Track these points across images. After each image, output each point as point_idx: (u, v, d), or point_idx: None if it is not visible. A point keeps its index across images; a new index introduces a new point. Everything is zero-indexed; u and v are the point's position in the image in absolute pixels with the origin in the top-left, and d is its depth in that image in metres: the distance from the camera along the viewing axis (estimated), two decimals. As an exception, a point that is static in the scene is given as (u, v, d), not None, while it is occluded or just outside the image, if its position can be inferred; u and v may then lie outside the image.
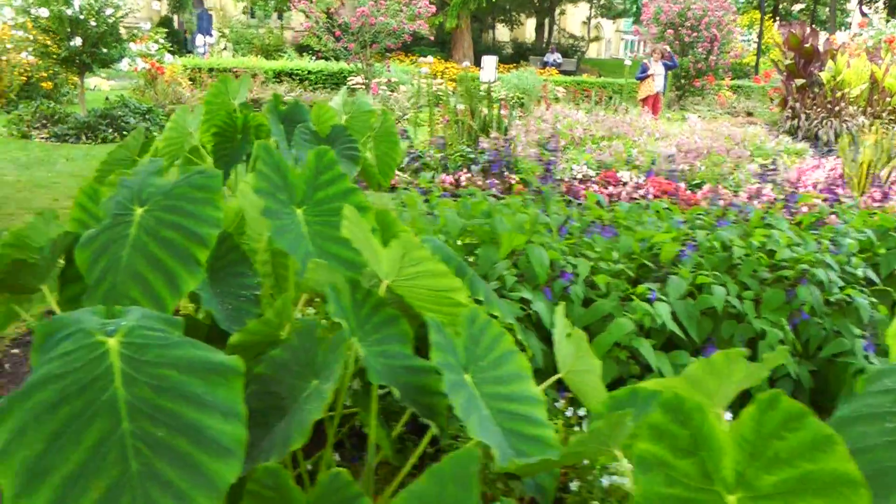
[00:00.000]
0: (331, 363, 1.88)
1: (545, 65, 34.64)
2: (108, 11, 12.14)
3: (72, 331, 1.60)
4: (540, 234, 3.78)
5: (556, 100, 21.15)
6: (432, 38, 22.36)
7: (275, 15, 36.19)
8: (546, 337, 3.31)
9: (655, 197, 8.18)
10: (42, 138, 12.49)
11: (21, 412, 1.42)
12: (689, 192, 8.35)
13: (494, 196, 7.25)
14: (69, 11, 11.83)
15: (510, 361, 2.13)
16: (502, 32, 53.96)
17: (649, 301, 3.49)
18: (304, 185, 2.59)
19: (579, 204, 7.01)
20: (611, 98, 19.49)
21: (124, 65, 12.95)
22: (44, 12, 11.76)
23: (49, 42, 12.57)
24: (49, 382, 1.46)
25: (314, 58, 23.16)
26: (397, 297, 2.29)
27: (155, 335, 1.60)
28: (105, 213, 2.32)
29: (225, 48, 27.49)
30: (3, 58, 14.97)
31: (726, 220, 4.64)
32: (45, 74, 15.94)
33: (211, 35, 26.80)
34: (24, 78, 15.79)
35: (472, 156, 10.36)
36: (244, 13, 34.07)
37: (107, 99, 14.32)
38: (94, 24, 12.01)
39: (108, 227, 2.24)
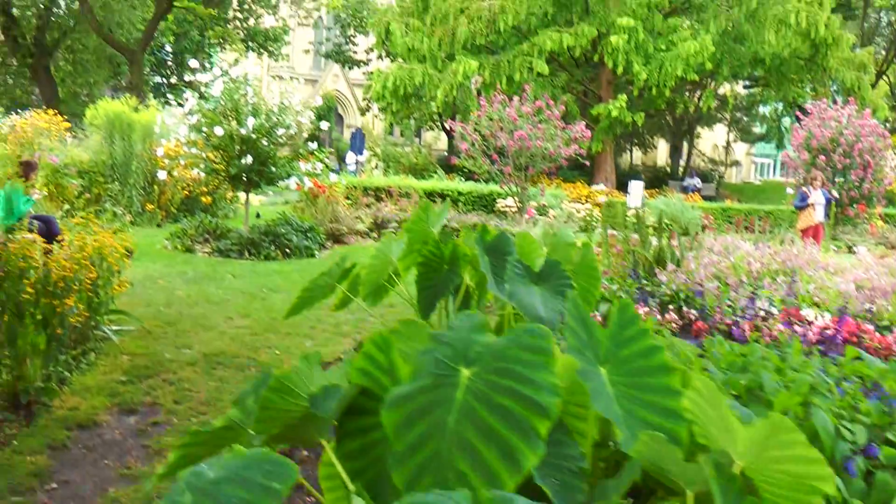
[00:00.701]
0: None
1: (685, 189, 34.24)
2: (280, 131, 12.53)
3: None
4: (819, 392, 3.46)
5: (703, 228, 20.72)
6: (587, 162, 22.40)
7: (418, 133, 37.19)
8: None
9: (845, 340, 7.70)
10: (205, 253, 12.85)
11: None
12: (878, 334, 7.83)
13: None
14: (242, 131, 12.27)
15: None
16: (635, 156, 54.10)
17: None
18: (607, 341, 2.41)
19: (774, 343, 6.60)
20: (772, 228, 18.93)
21: (292, 183, 13.31)
22: (219, 131, 12.23)
23: (219, 159, 13.04)
24: None
25: (462, 178, 23.49)
26: (746, 479, 2.04)
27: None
28: (417, 370, 2.16)
29: (376, 167, 28.29)
30: (175, 173, 15.66)
31: None
32: (205, 189, 16.58)
33: (362, 153, 27.63)
34: (186, 192, 16.46)
35: (650, 288, 10.09)
36: (387, 133, 35.10)
37: (258, 215, 14.74)
38: (265, 143, 12.41)
39: (426, 387, 2.08)
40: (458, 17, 27.07)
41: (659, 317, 9.29)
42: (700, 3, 29.64)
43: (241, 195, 18.26)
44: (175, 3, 29.93)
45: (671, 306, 9.50)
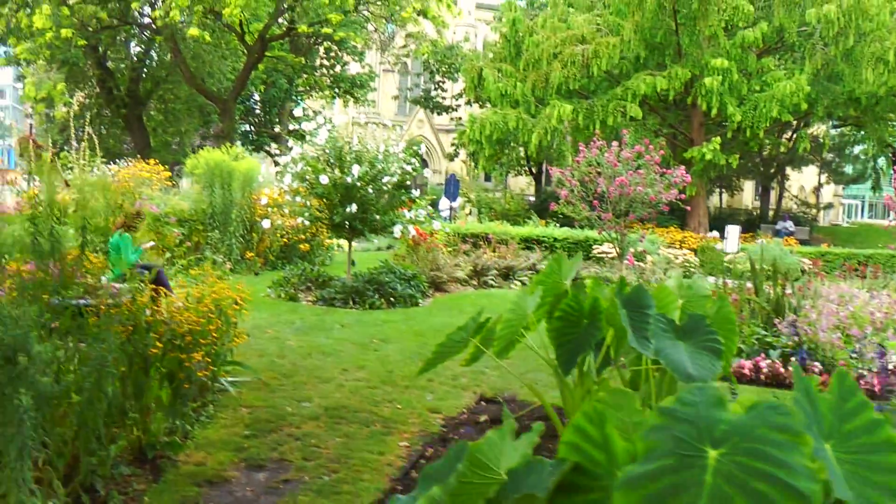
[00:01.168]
0: None
1: (777, 234, 33.42)
2: (385, 179, 12.50)
3: None
4: None
5: (803, 272, 20.08)
6: (688, 207, 22.00)
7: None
8: None
9: None
10: (309, 301, 12.85)
11: None
12: None
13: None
14: (348, 179, 12.27)
15: None
16: (722, 199, 53.36)
17: None
18: (829, 414, 2.21)
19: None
20: (885, 273, 18.23)
21: (396, 231, 13.26)
22: (324, 179, 12.25)
23: (322, 207, 13.06)
24: None
25: (557, 224, 23.31)
26: None
27: None
28: (651, 448, 1.99)
29: (470, 213, 28.31)
30: (279, 221, 15.80)
31: None
32: (303, 237, 16.68)
33: (456, 199, 27.67)
34: (285, 240, 16.58)
35: (769, 339, 9.73)
36: (475, 178, 35.16)
37: (353, 263, 14.70)
38: (371, 191, 12.39)
39: (667, 468, 1.91)
40: (552, 62, 27.02)
41: (782, 369, 8.94)
42: (793, 43, 29.14)
43: (337, 242, 18.43)
44: (266, 53, 30.50)
45: (793, 358, 9.13)
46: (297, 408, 7.14)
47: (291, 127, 34.87)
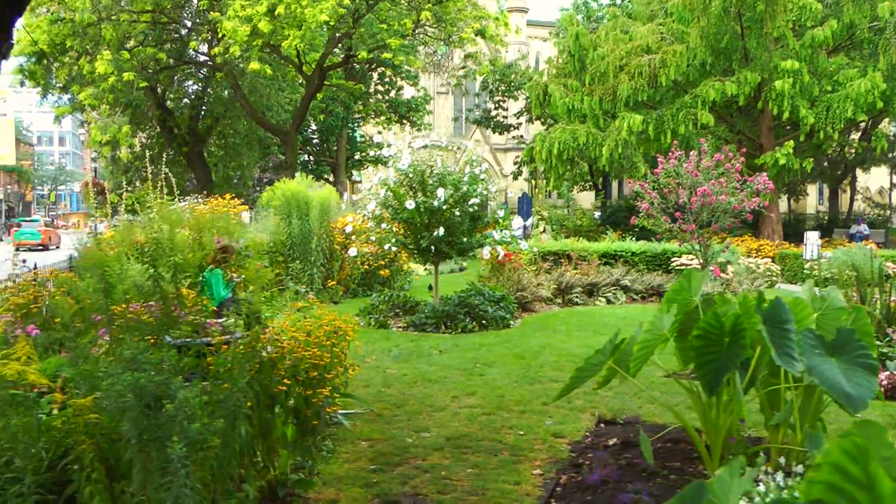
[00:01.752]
0: None
1: (852, 238, 32.56)
2: (472, 201, 12.37)
3: None
4: None
5: (888, 277, 19.48)
6: (773, 214, 21.58)
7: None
8: None
9: None
10: (399, 328, 12.76)
11: None
12: None
13: None
14: (434, 203, 12.15)
15: None
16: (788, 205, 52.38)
17: None
18: None
19: None
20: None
21: (485, 252, 13.11)
22: (410, 204, 12.16)
23: (407, 232, 12.97)
24: None
25: (633, 238, 23.01)
26: None
27: None
28: None
29: (544, 230, 28.10)
30: (364, 249, 15.77)
31: None
32: (382, 263, 16.61)
33: (529, 218, 27.48)
34: (365, 267, 16.53)
35: (884, 350, 9.37)
36: (541, 194, 34.98)
37: (430, 287, 14.59)
38: (458, 213, 12.25)
39: None
40: (619, 75, 26.78)
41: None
42: (863, 39, 28.48)
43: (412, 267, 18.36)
44: (325, 82, 30.68)
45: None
46: (418, 438, 7.01)
47: (372, 154, 34.93)
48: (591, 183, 40.05)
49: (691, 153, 17.28)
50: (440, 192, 12.22)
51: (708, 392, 5.46)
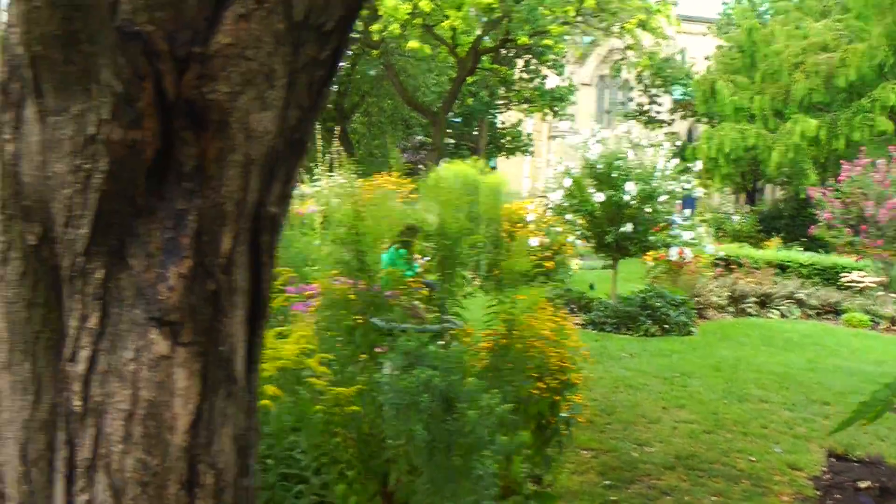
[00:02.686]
0: None
1: None
2: (662, 198, 11.78)
3: None
4: None
5: None
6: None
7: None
8: None
9: None
10: (577, 325, 12.24)
11: None
12: None
13: None
14: (626, 197, 11.62)
15: None
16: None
17: None
18: None
19: None
20: None
21: (673, 253, 12.50)
22: (599, 197, 11.66)
23: (590, 225, 12.49)
24: None
25: (800, 248, 21.92)
26: None
27: None
28: None
29: (707, 234, 26.94)
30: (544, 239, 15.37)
31: None
32: (549, 254, 16.08)
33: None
34: (533, 258, 16.03)
35: None
36: (716, 193, 33.66)
37: (591, 287, 14.05)
38: (647, 209, 11.68)
39: None
40: (793, 73, 25.24)
41: None
42: None
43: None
44: (477, 66, 30.25)
45: None
46: (642, 454, 6.57)
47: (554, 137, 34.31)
48: (741, 185, 38.39)
49: (878, 162, 16.23)
50: (630, 186, 11.66)
51: None
